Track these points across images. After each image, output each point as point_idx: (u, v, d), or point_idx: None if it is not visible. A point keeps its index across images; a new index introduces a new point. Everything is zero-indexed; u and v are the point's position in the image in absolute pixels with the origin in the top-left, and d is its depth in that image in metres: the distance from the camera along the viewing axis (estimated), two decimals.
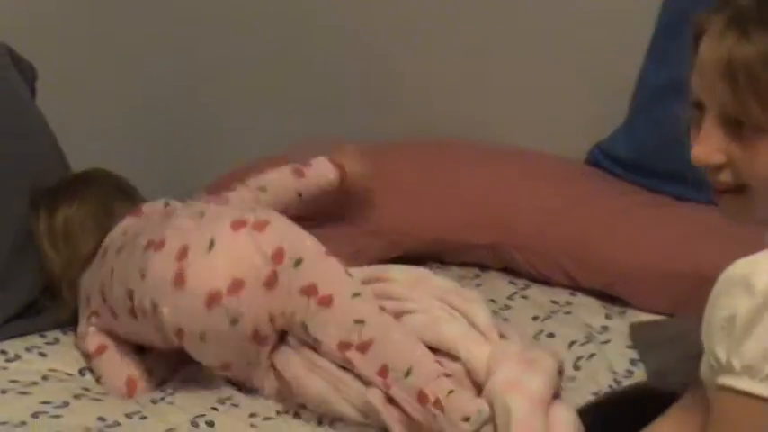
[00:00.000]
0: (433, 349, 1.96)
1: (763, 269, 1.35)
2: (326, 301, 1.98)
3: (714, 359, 1.39)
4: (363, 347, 1.94)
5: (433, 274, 2.20)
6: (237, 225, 2.02)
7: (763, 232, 1.51)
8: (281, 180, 2.32)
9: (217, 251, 1.98)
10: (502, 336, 2.01)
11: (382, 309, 2.00)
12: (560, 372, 1.97)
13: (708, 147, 1.46)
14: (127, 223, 2.18)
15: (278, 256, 2.00)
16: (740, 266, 1.38)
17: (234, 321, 1.97)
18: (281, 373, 2.01)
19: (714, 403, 1.40)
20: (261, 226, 2.02)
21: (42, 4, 2.63)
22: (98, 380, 2.10)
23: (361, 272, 2.11)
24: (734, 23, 1.42)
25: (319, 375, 1.98)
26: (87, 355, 2.13)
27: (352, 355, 1.94)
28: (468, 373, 1.94)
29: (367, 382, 1.94)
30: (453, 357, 1.96)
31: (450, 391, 1.86)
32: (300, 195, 2.32)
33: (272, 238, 2.01)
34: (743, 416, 1.36)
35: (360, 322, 1.95)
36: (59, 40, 2.65)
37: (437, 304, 2.05)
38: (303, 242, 2.04)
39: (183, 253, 1.99)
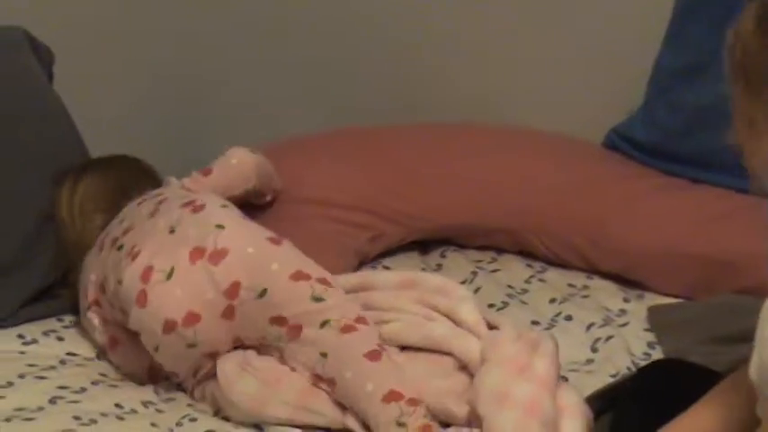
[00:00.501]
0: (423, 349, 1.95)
1: None
2: (295, 333, 1.93)
3: (765, 385, 1.35)
4: (330, 383, 1.91)
5: (421, 273, 2.18)
6: (195, 255, 1.97)
7: None
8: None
9: (174, 282, 1.95)
10: (493, 327, 1.98)
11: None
12: None
13: None
14: (126, 209, 2.16)
15: (232, 291, 1.95)
16: None
17: (191, 346, 1.95)
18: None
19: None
20: (217, 257, 1.97)
21: None
22: (118, 368, 2.09)
23: (347, 280, 2.08)
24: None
25: (252, 374, 1.95)
26: (101, 348, 2.11)
27: (325, 387, 1.91)
28: (463, 368, 1.92)
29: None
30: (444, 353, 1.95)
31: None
32: None
33: (226, 271, 1.95)
34: None
35: (324, 355, 1.91)
36: (74, 25, 2.64)
37: (421, 311, 2.02)
38: (268, 268, 1.97)
39: (147, 273, 1.96)
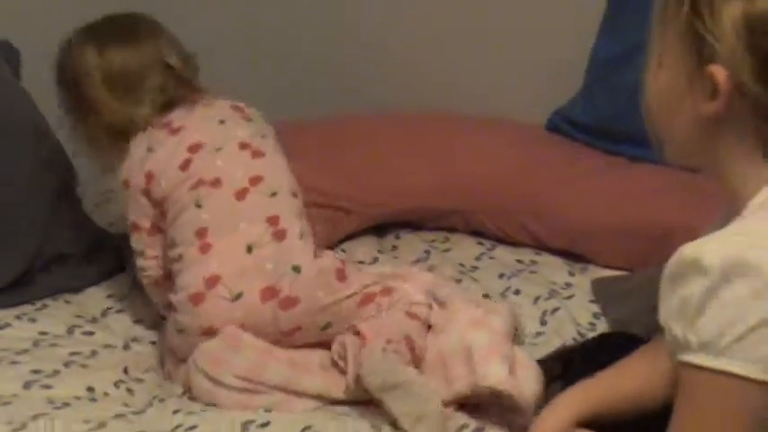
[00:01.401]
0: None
1: (710, 250, 1.34)
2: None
3: (672, 338, 1.39)
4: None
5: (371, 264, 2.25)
6: (266, 295, 1.92)
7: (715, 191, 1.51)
8: None
9: (237, 306, 1.91)
10: (442, 305, 2.01)
11: None
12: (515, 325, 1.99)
13: None
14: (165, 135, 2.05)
15: (292, 332, 1.93)
16: (689, 250, 1.36)
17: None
18: None
19: (678, 379, 1.39)
20: (288, 305, 1.92)
21: None
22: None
23: None
24: None
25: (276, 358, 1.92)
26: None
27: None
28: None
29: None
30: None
31: None
32: None
33: (294, 318, 1.92)
34: (704, 389, 1.35)
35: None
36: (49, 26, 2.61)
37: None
38: (337, 310, 1.94)
39: (213, 281, 1.92)
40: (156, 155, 2.04)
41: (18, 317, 2.11)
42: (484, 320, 1.92)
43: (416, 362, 1.88)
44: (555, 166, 2.43)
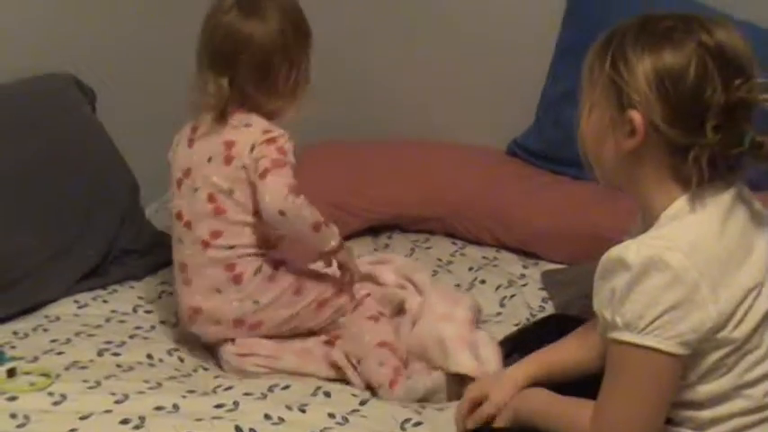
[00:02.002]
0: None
1: (632, 250, 1.36)
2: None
3: (604, 321, 1.40)
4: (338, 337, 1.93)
5: (392, 255, 2.22)
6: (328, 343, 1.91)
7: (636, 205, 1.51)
8: None
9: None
10: (419, 291, 2.01)
11: None
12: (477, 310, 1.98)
13: None
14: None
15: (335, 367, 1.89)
16: (615, 251, 1.38)
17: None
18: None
19: (608, 352, 1.40)
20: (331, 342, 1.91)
21: (98, 35, 2.55)
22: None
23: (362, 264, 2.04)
24: None
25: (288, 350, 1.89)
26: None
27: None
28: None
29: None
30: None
31: None
32: None
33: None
34: (627, 360, 1.36)
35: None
36: (113, 65, 2.56)
37: (397, 281, 2.04)
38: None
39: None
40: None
41: (94, 299, 2.11)
42: (452, 314, 1.91)
43: (400, 356, 1.87)
44: (513, 182, 2.42)
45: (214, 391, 1.76)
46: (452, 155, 2.54)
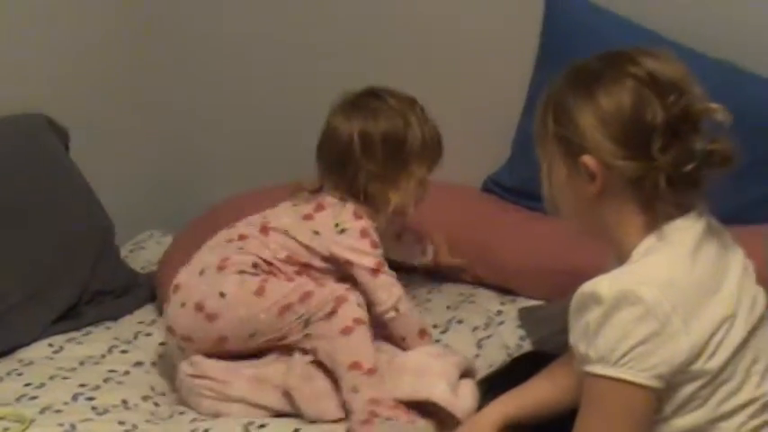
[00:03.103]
0: None
1: (604, 285, 1.39)
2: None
3: (579, 354, 1.42)
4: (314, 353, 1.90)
5: None
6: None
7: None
8: None
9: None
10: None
11: None
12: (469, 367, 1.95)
13: None
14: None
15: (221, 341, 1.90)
16: (588, 286, 1.41)
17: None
18: None
19: (583, 386, 1.42)
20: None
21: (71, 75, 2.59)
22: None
23: None
24: None
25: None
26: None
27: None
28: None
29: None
30: None
31: None
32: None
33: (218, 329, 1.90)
34: (602, 392, 1.39)
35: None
36: (86, 105, 2.60)
37: None
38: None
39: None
40: None
41: (68, 341, 2.11)
42: (444, 355, 1.91)
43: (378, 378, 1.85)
44: (489, 219, 2.41)
45: None
46: (432, 192, 2.54)
